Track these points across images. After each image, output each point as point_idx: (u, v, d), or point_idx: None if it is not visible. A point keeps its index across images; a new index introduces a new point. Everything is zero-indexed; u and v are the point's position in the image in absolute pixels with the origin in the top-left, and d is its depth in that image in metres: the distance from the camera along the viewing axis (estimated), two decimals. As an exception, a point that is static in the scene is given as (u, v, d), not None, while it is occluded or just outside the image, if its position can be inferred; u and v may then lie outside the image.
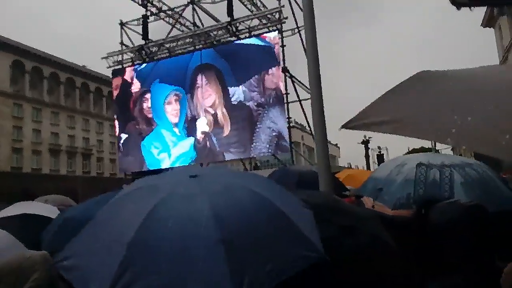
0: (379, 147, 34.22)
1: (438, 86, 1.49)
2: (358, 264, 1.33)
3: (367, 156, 33.01)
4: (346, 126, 1.54)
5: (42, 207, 2.76)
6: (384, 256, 1.41)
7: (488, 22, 26.18)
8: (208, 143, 20.38)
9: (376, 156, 33.30)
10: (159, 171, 19.92)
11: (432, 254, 1.42)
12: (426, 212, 1.48)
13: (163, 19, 24.44)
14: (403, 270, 1.45)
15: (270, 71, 18.90)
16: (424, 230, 1.46)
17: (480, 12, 23.88)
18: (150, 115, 22.14)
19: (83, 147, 46.76)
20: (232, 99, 19.77)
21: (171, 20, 24.29)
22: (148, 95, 22.13)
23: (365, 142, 32.45)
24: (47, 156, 42.67)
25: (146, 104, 22.16)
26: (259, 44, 19.18)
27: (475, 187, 1.99)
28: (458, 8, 1.45)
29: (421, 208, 1.52)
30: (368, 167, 30.44)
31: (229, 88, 19.84)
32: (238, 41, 20.31)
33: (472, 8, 1.47)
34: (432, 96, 1.45)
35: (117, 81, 23.53)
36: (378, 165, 23.42)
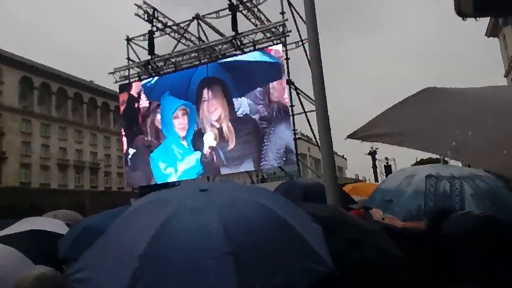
0: (386, 158, 34.02)
1: (443, 102, 1.54)
2: (364, 278, 1.32)
3: (374, 167, 32.82)
4: (352, 136, 1.59)
5: (49, 223, 2.77)
6: (391, 270, 1.40)
7: (493, 31, 26.18)
8: (214, 157, 20.43)
9: (383, 167, 33.08)
10: (166, 185, 19.98)
11: (445, 265, 1.42)
12: (440, 223, 1.48)
13: (168, 34, 24.80)
14: (412, 283, 1.43)
15: (275, 84, 19.01)
16: (438, 241, 1.46)
17: (484, 21, 23.91)
18: (160, 127, 22.31)
19: (91, 161, 47.09)
20: (238, 112, 19.87)
21: (176, 35, 24.64)
22: (158, 108, 22.34)
23: (372, 153, 32.31)
24: (55, 171, 43.01)
25: (157, 117, 22.34)
26: (266, 60, 19.31)
27: (485, 199, 1.98)
28: (464, 18, 1.49)
29: (435, 220, 1.52)
30: (376, 178, 30.24)
31: (234, 101, 19.95)
32: (244, 58, 20.37)
33: (478, 18, 1.51)
34: (436, 111, 1.51)
35: (124, 96, 23.81)
36: (386, 176, 23.27)
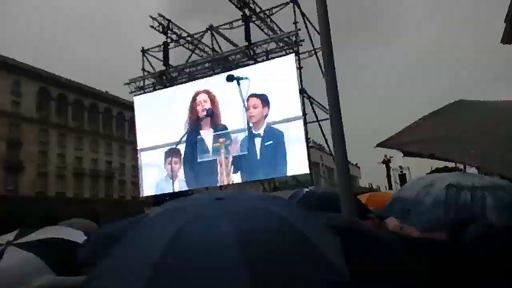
0: (400, 167, 33.45)
1: (469, 113, 1.64)
2: None
3: (388, 176, 32.37)
4: (382, 145, 1.68)
5: (69, 232, 2.80)
6: (407, 281, 1.38)
7: (509, 38, 25.73)
8: (228, 165, 20.45)
9: (398, 176, 32.59)
10: (180, 193, 20.05)
11: (465, 275, 1.40)
12: (460, 233, 1.47)
13: (183, 45, 25.13)
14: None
15: (288, 92, 19.01)
16: (459, 251, 1.44)
17: (499, 27, 23.51)
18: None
19: (106, 170, 47.68)
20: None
21: (190, 46, 24.94)
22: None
23: (386, 162, 31.90)
24: (71, 180, 43.65)
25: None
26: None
27: (507, 211, 1.92)
28: None
29: (455, 229, 1.50)
30: (390, 188, 29.78)
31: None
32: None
33: None
34: (461, 122, 1.59)
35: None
36: (401, 185, 22.89)
